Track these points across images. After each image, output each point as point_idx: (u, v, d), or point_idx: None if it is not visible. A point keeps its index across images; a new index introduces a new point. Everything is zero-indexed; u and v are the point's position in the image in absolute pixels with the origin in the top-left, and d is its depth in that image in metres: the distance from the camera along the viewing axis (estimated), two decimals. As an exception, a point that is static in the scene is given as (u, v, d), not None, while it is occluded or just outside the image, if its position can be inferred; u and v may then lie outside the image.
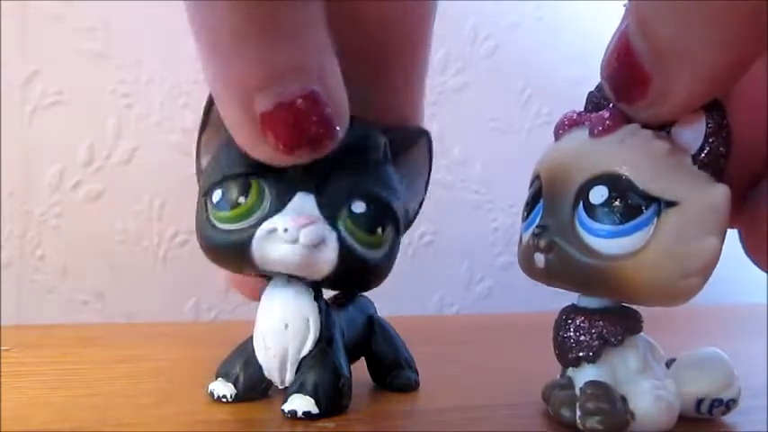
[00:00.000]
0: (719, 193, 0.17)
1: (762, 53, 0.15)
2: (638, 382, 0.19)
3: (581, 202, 0.18)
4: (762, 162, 0.19)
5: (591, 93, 0.20)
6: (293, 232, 0.19)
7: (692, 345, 0.22)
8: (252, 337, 0.21)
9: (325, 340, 0.21)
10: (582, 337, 0.19)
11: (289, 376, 0.21)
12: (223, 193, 0.19)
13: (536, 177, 0.20)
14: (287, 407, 0.20)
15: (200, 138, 0.21)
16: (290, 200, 0.19)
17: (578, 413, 0.19)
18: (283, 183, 0.19)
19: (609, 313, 0.19)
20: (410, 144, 0.22)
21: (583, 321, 0.19)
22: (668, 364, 0.21)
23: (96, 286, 0.41)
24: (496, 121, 0.49)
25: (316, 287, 0.21)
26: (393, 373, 0.24)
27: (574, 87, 0.50)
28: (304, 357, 0.20)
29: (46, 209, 0.40)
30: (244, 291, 0.24)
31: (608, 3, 0.50)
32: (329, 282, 0.20)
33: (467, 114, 0.48)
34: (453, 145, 0.48)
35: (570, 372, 0.20)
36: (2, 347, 0.28)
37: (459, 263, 0.48)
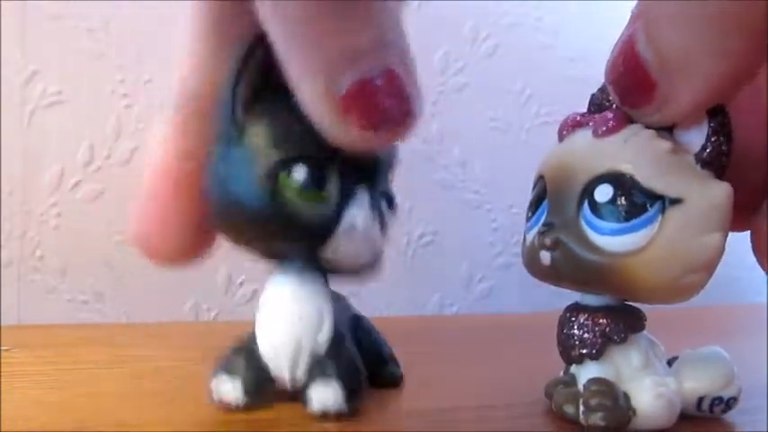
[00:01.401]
0: (722, 191, 0.17)
1: (765, 62, 0.16)
2: (641, 380, 0.19)
3: (586, 201, 0.18)
4: (763, 165, 0.19)
5: (594, 94, 0.20)
6: (369, 230, 0.19)
7: (692, 344, 0.22)
8: (253, 336, 0.20)
9: (338, 330, 0.20)
10: (585, 335, 0.19)
11: (300, 374, 0.20)
12: (309, 173, 0.18)
13: (540, 178, 0.20)
14: (315, 406, 0.19)
15: (237, 82, 0.18)
16: (355, 192, 0.19)
17: (581, 409, 0.19)
18: (349, 172, 0.19)
19: (612, 311, 0.19)
20: None
21: (586, 319, 0.19)
22: (670, 363, 0.21)
23: (96, 286, 0.41)
24: (496, 121, 0.49)
25: (325, 276, 0.20)
26: (379, 368, 0.24)
27: (574, 87, 0.50)
28: (318, 352, 0.20)
29: (46, 209, 0.40)
30: (168, 257, 0.20)
31: (608, 3, 0.50)
32: (348, 273, 0.20)
33: (467, 114, 0.48)
34: (453, 145, 0.48)
35: (573, 369, 0.21)
36: (2, 347, 0.28)
37: (459, 263, 0.48)
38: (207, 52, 0.19)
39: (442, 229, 0.48)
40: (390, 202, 0.21)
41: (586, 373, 0.20)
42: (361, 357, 0.23)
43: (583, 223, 0.18)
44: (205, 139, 0.19)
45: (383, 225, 0.20)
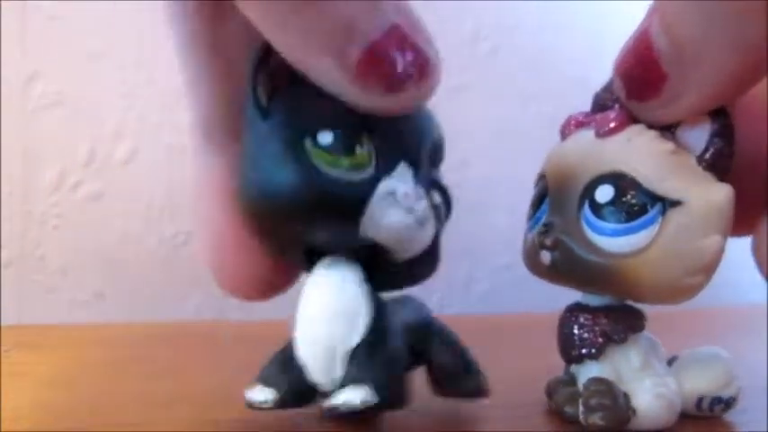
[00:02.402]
0: (723, 193, 0.17)
1: None
2: (641, 380, 0.19)
3: (587, 201, 0.18)
4: (765, 170, 0.19)
5: (597, 93, 0.20)
6: (412, 201, 0.18)
7: (691, 344, 0.22)
8: (290, 342, 0.19)
9: (379, 328, 0.19)
10: (585, 335, 0.19)
11: (338, 373, 0.18)
12: (336, 136, 0.17)
13: (541, 177, 0.20)
14: (341, 398, 0.18)
15: (256, 74, 0.18)
16: (396, 166, 0.18)
17: (581, 409, 0.19)
18: (389, 147, 0.18)
19: (612, 311, 0.20)
20: None
21: (586, 319, 0.19)
22: (669, 363, 0.21)
23: (96, 286, 0.41)
24: (496, 122, 0.49)
25: (366, 273, 0.19)
26: (457, 380, 0.22)
27: (574, 87, 0.49)
28: (355, 349, 0.18)
29: (46, 209, 0.40)
30: (244, 290, 0.20)
31: (608, 3, 0.50)
32: (400, 267, 0.19)
33: (467, 114, 0.48)
34: (453, 145, 0.48)
35: (573, 368, 0.21)
36: (2, 347, 0.28)
37: (459, 263, 0.48)
38: (207, 77, 0.19)
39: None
40: (445, 194, 0.20)
41: (586, 372, 0.20)
42: (436, 368, 0.21)
43: (583, 223, 0.18)
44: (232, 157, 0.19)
45: (438, 218, 0.19)
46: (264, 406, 0.19)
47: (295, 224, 0.18)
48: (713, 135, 0.18)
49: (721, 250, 0.17)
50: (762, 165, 0.19)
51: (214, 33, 0.18)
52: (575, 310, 0.20)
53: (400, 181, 0.18)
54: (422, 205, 0.18)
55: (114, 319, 0.40)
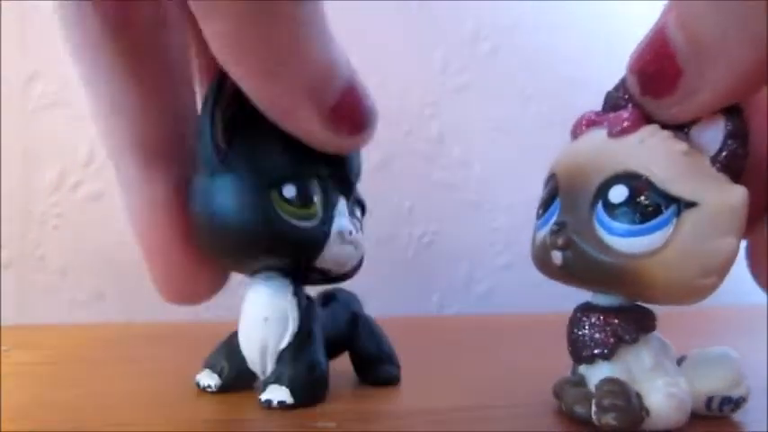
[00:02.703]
0: (737, 194, 0.17)
1: None
2: (652, 380, 0.19)
3: (600, 201, 0.18)
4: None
5: (609, 93, 0.20)
6: (354, 235, 0.21)
7: (694, 345, 0.22)
8: (237, 331, 0.22)
9: (303, 333, 0.22)
10: (597, 335, 0.19)
11: (269, 367, 0.22)
12: (299, 189, 0.20)
13: (552, 176, 0.20)
14: (263, 396, 0.21)
15: (213, 113, 0.19)
16: (336, 204, 0.21)
17: (594, 409, 0.19)
18: (331, 187, 0.21)
19: (623, 311, 0.19)
20: None
21: (598, 319, 0.19)
22: (678, 363, 0.21)
23: (96, 286, 0.41)
24: (496, 122, 0.49)
25: (295, 283, 0.22)
26: (375, 367, 0.25)
27: (574, 87, 0.50)
28: (283, 349, 0.21)
29: (46, 209, 0.40)
30: (186, 300, 0.22)
31: (608, 3, 0.50)
32: (338, 277, 0.22)
33: (467, 114, 0.48)
34: (453, 145, 0.48)
35: (583, 369, 0.20)
36: (2, 347, 0.28)
37: (459, 263, 0.48)
38: (133, 102, 0.19)
39: (442, 229, 0.48)
40: (363, 207, 0.23)
41: (598, 373, 0.20)
42: (358, 356, 0.25)
43: (596, 223, 0.18)
44: (173, 181, 0.20)
45: (360, 229, 0.22)
46: (209, 390, 0.22)
47: (255, 259, 0.21)
48: (727, 136, 0.17)
49: (735, 252, 0.17)
50: (765, 164, 0.19)
51: (133, 39, 0.19)
52: (585, 310, 0.20)
53: (342, 217, 0.21)
54: (359, 235, 0.22)
55: (114, 319, 0.40)
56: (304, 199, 0.20)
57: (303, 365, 0.21)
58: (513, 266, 0.48)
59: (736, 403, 0.20)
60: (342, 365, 0.24)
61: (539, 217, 0.20)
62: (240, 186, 0.19)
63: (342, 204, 0.21)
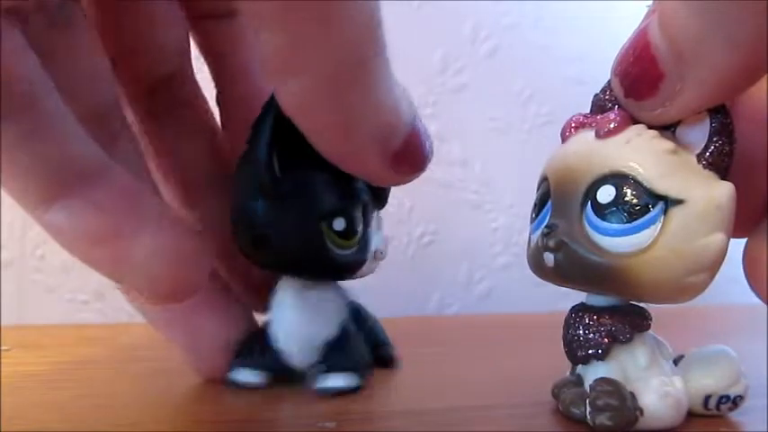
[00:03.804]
0: (724, 191, 0.17)
1: None
2: (647, 379, 0.19)
3: (589, 202, 0.18)
4: (764, 170, 0.19)
5: (596, 95, 0.20)
6: (385, 251, 0.23)
7: (693, 344, 0.22)
8: (268, 326, 0.23)
9: (347, 323, 0.23)
10: (591, 335, 0.19)
11: (313, 359, 0.22)
12: (347, 223, 0.21)
13: (544, 179, 0.20)
14: (327, 384, 0.22)
15: (270, 140, 0.20)
16: (371, 221, 0.23)
17: (588, 409, 0.19)
18: (369, 206, 0.22)
19: (618, 311, 0.19)
20: None
21: (592, 319, 0.19)
22: (676, 362, 0.21)
23: (96, 286, 0.41)
24: (496, 121, 0.49)
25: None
26: (375, 350, 0.25)
27: (573, 87, 0.50)
28: (329, 342, 0.23)
29: (46, 209, 0.40)
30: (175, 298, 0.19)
31: (608, 3, 0.50)
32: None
33: (467, 114, 0.48)
34: (453, 145, 0.48)
35: (580, 369, 0.21)
36: (2, 347, 0.28)
37: (459, 263, 0.48)
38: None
39: (442, 229, 0.48)
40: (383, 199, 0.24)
41: (593, 373, 0.20)
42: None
43: (586, 224, 0.18)
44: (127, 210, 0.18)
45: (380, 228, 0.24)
46: (250, 386, 0.22)
47: (298, 275, 0.22)
48: (713, 133, 0.18)
49: (724, 248, 0.17)
50: (762, 166, 0.19)
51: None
52: (580, 310, 0.20)
53: (376, 234, 0.23)
54: (385, 247, 0.23)
55: (114, 319, 0.40)
56: (351, 231, 0.21)
57: (356, 353, 0.23)
58: (513, 266, 0.48)
59: (734, 401, 0.20)
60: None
61: (532, 220, 0.21)
62: (294, 215, 0.21)
63: (375, 219, 0.23)
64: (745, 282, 0.19)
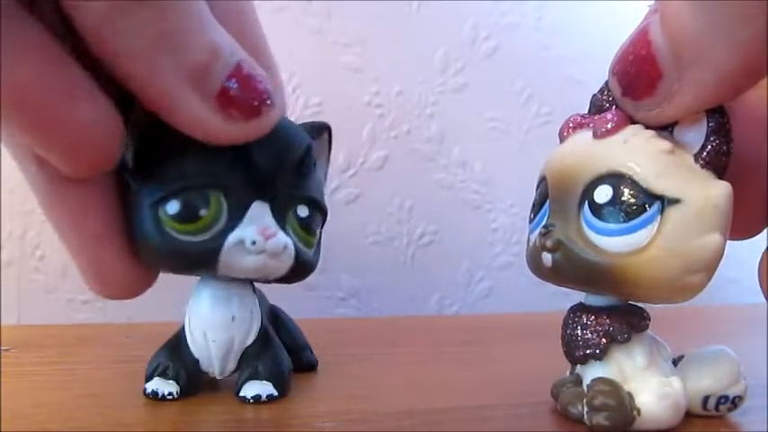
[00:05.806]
0: (721, 191, 0.18)
1: None
2: (645, 380, 0.19)
3: (586, 202, 0.18)
4: (764, 175, 0.19)
5: (594, 95, 0.20)
6: (260, 244, 0.20)
7: (692, 344, 0.22)
8: (180, 333, 0.22)
9: (265, 329, 0.22)
10: (589, 335, 0.19)
11: (231, 366, 0.22)
12: (183, 205, 0.19)
13: (542, 179, 0.20)
14: (247, 393, 0.21)
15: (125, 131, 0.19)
16: (247, 209, 0.20)
17: (585, 409, 0.19)
18: (239, 192, 0.20)
19: (616, 311, 0.20)
20: (314, 138, 0.23)
21: (590, 319, 0.19)
22: (675, 362, 0.21)
23: (96, 286, 0.41)
24: (496, 121, 0.49)
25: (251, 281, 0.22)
26: (296, 355, 0.25)
27: (573, 87, 0.50)
28: (248, 347, 0.22)
29: (46, 209, 0.40)
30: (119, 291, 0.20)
31: (607, 3, 0.50)
32: (275, 280, 0.21)
33: (467, 114, 0.48)
34: (453, 145, 0.48)
35: (578, 369, 0.21)
36: (2, 347, 0.28)
37: (459, 263, 0.48)
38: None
39: (442, 229, 0.47)
40: (316, 207, 0.22)
41: (591, 373, 0.20)
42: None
43: (583, 224, 0.18)
44: (100, 210, 0.19)
45: (309, 230, 0.22)
46: (170, 398, 0.22)
47: (170, 270, 0.21)
48: (710, 133, 0.18)
49: (721, 248, 0.17)
50: (761, 167, 0.19)
51: None
52: (578, 310, 0.20)
53: (250, 224, 0.20)
54: (274, 242, 0.20)
55: (114, 319, 0.40)
56: (189, 214, 0.19)
57: (272, 360, 0.22)
58: (513, 266, 0.48)
59: (733, 402, 0.20)
60: (340, 366, 0.24)
61: (531, 220, 0.21)
62: (136, 204, 0.19)
63: (256, 210, 0.20)
64: (745, 282, 0.19)
